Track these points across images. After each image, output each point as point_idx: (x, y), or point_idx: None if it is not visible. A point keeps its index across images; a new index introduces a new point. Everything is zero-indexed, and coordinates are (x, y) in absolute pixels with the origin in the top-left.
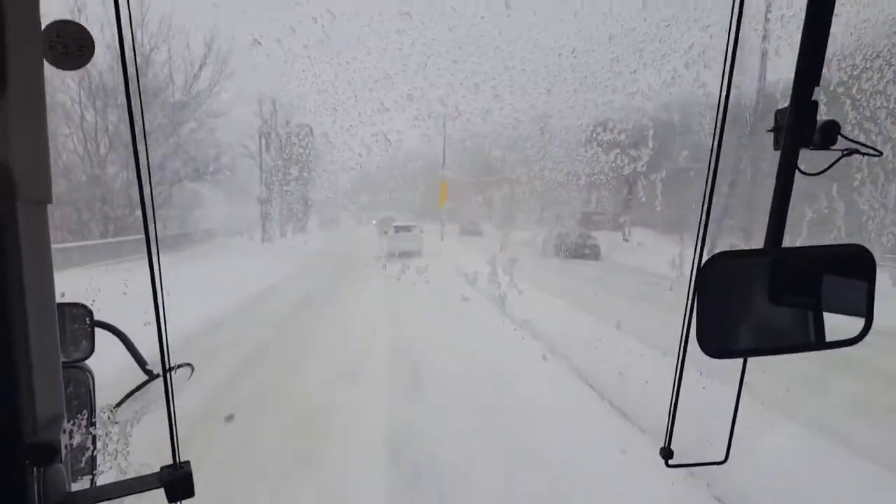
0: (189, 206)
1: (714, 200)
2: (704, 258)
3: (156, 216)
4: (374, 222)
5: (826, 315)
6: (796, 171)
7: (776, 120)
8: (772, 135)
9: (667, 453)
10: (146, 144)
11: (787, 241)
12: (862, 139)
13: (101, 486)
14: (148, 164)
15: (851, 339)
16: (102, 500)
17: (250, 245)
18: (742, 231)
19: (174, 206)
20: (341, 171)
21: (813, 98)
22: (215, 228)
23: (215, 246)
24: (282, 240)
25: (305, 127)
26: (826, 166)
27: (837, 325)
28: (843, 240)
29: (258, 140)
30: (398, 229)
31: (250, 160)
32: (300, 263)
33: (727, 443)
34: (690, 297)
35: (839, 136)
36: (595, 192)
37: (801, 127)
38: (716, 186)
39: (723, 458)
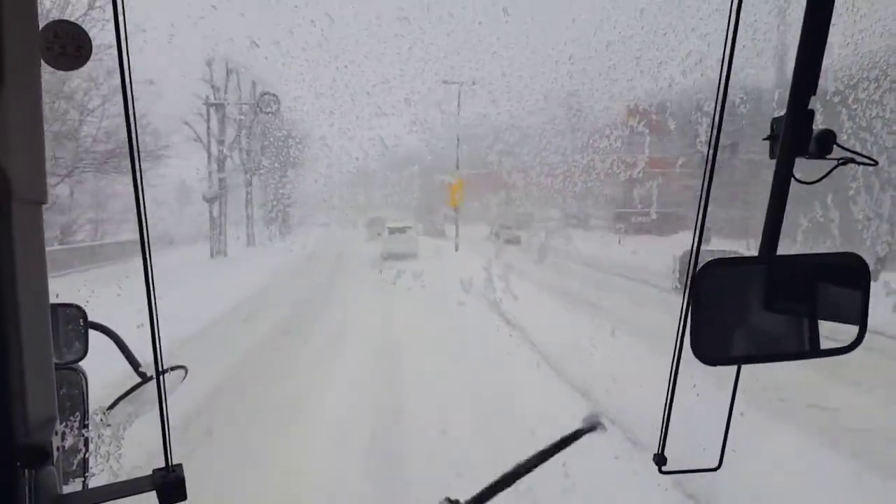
0: (104, 207)
1: None
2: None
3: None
4: (364, 225)
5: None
6: (792, 179)
7: (772, 129)
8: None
9: (660, 459)
10: (139, 151)
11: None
12: (858, 148)
13: (93, 489)
14: (140, 170)
15: (845, 347)
16: (94, 503)
17: (191, 262)
18: None
19: (78, 206)
20: (336, 174)
21: (809, 107)
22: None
23: (133, 266)
24: (246, 252)
25: (270, 97)
26: (821, 175)
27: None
28: (838, 249)
29: (206, 115)
30: (392, 231)
31: (196, 144)
32: (244, 299)
33: (721, 449)
34: (685, 303)
35: (835, 146)
36: (636, 187)
37: (797, 135)
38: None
39: (716, 464)
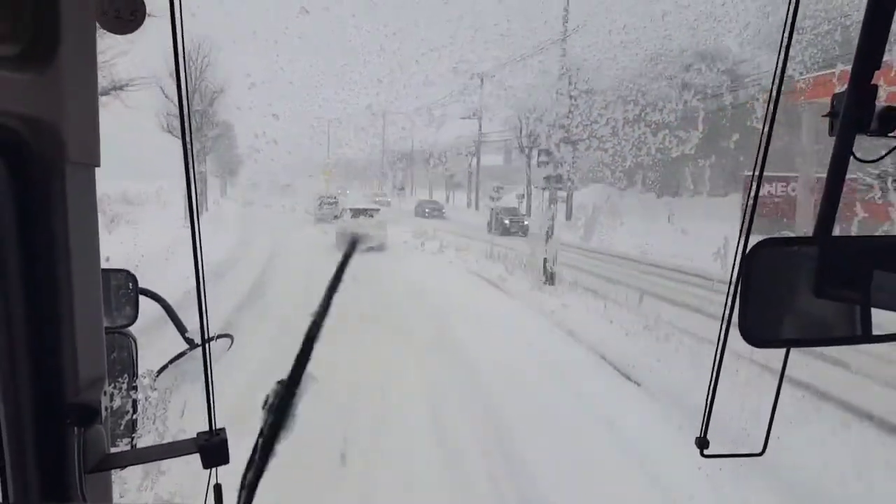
0: None
1: None
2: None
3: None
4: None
5: None
6: (851, 157)
7: (832, 105)
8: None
9: (702, 443)
10: (191, 119)
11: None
12: None
13: (139, 449)
14: (192, 139)
15: None
16: (140, 462)
17: None
18: None
19: None
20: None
21: (873, 82)
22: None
23: None
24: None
25: None
26: (883, 153)
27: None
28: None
29: None
30: (356, 213)
31: None
32: None
33: (765, 434)
34: (733, 283)
35: None
36: None
37: (859, 112)
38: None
39: (760, 450)
